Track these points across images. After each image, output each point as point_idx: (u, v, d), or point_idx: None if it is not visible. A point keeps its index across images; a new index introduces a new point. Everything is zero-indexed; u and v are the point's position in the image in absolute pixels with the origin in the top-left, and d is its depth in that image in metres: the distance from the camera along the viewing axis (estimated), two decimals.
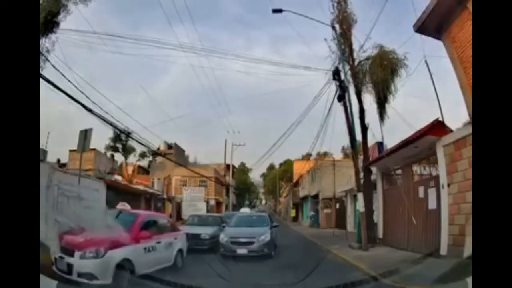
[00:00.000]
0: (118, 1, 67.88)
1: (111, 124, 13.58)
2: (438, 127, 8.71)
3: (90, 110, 12.49)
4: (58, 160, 26.45)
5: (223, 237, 9.90)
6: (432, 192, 8.95)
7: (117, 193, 16.22)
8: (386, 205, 11.80)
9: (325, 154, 36.60)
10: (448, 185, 8.07)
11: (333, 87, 13.58)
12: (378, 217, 12.09)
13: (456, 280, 3.30)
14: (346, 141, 45.77)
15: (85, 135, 12.45)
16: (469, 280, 2.35)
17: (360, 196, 11.15)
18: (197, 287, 5.44)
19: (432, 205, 8.90)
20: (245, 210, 29.13)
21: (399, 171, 11.45)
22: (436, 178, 8.77)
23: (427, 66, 11.27)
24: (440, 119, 9.07)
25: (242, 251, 9.42)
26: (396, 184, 11.49)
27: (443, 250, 7.93)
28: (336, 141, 53.04)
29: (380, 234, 11.88)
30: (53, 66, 10.92)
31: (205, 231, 11.06)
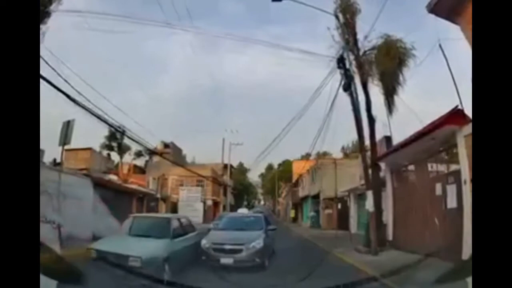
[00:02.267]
0: None
1: (100, 119, 12.75)
2: (457, 116, 7.71)
3: (74, 100, 11.58)
4: (54, 160, 25.77)
5: (205, 243, 8.14)
6: (451, 189, 8.00)
7: (106, 191, 15.37)
8: (396, 204, 10.83)
9: (325, 154, 35.78)
10: (471, 180, 7.11)
11: (335, 84, 12.75)
12: (388, 217, 11.10)
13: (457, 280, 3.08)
14: (346, 141, 45.13)
15: (68, 126, 11.67)
16: (469, 280, 2.26)
17: (369, 194, 10.11)
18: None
19: (451, 203, 7.95)
20: (242, 211, 28.23)
21: (410, 167, 10.50)
22: (456, 173, 7.80)
23: (442, 50, 10.31)
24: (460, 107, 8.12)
25: (227, 260, 7.66)
26: (408, 181, 10.51)
27: (465, 255, 6.94)
28: (335, 141, 52.14)
29: (389, 236, 10.89)
30: (44, 60, 10.04)
31: (139, 251, 6.04)
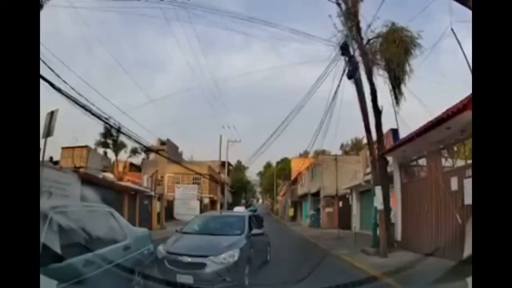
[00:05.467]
0: None
1: (95, 115, 12.03)
2: None
3: (59, 90, 10.93)
4: (51, 158, 25.28)
5: (161, 251, 6.10)
6: (469, 184, 7.21)
7: (95, 188, 14.57)
8: (405, 201, 10.04)
9: (323, 152, 35.00)
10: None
11: (338, 75, 12.00)
12: (396, 216, 10.29)
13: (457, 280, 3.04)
14: (345, 138, 44.38)
15: (51, 117, 10.86)
16: (469, 280, 2.23)
17: (378, 190, 9.26)
18: (197, 287, 5.32)
19: (469, 199, 7.16)
20: (239, 209, 27.48)
21: (420, 162, 9.71)
22: None
23: (454, 33, 9.67)
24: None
25: (185, 279, 5.48)
26: (418, 176, 9.71)
27: None
28: (334, 139, 51.49)
29: (397, 236, 10.09)
30: (39, 57, 9.21)
31: None
